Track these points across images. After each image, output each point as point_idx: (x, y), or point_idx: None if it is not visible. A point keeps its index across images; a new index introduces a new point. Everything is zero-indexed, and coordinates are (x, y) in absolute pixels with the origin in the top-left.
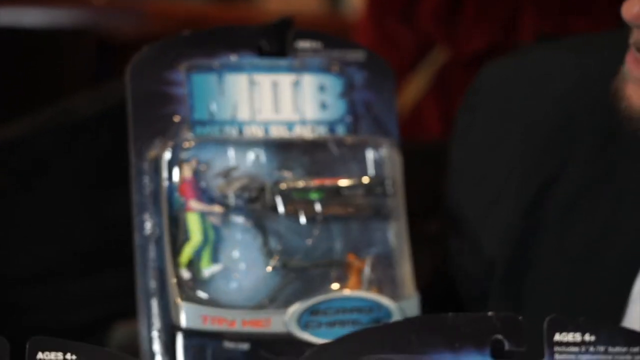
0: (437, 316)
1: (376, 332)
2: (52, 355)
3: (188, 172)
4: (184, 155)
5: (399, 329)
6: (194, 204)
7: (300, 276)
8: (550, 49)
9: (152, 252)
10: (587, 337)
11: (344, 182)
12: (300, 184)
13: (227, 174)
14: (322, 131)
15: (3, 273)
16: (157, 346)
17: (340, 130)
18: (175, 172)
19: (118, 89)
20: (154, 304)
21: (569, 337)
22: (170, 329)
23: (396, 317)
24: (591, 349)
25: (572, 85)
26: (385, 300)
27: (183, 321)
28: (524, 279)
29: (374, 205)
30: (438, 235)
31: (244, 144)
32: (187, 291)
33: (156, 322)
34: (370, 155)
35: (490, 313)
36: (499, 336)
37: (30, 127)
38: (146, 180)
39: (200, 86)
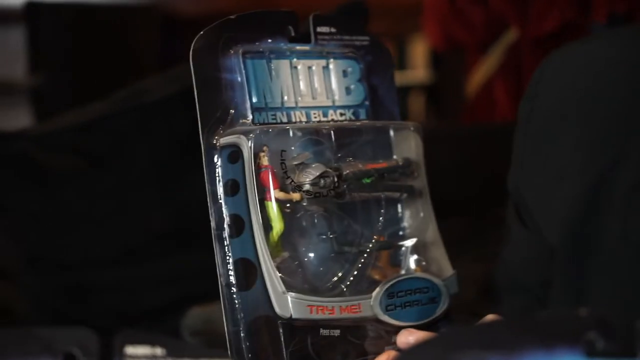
0: (529, 315)
1: (470, 331)
2: (141, 349)
3: (265, 161)
4: (258, 144)
5: (492, 328)
6: (277, 193)
7: (359, 261)
8: (612, 37)
9: (227, 242)
10: None
11: (388, 165)
12: (359, 169)
13: (301, 162)
14: (349, 116)
15: (79, 255)
16: (243, 337)
17: (362, 115)
18: (252, 161)
19: (189, 70)
20: (236, 295)
21: None
22: (259, 320)
23: (444, 296)
24: None
25: (633, 73)
26: (436, 280)
27: (292, 311)
28: (586, 264)
29: (407, 186)
30: (503, 222)
31: (310, 131)
32: (284, 279)
33: (241, 313)
34: (394, 138)
35: (582, 311)
36: (592, 334)
37: (104, 109)
38: (218, 169)
39: (254, 72)
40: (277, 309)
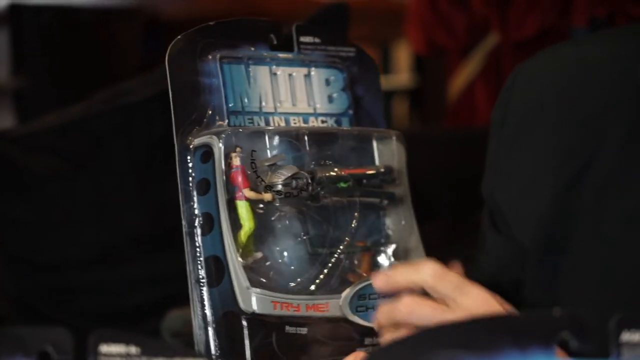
0: (504, 315)
1: (444, 330)
2: (115, 347)
3: (237, 161)
4: (229, 144)
5: (466, 327)
6: (248, 193)
7: (332, 262)
8: (585, 42)
9: (199, 240)
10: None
11: (369, 172)
12: (335, 173)
13: (274, 163)
14: (331, 123)
15: (58, 257)
16: (211, 333)
17: (345, 123)
18: (223, 161)
19: None
20: (205, 291)
21: (636, 336)
22: (227, 316)
23: None
24: None
25: (605, 76)
26: None
27: (255, 307)
28: (559, 263)
29: (389, 192)
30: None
31: (284, 133)
32: (253, 277)
33: (209, 310)
34: (377, 146)
35: (556, 311)
36: (566, 334)
37: (84, 110)
38: (190, 169)
39: (231, 76)
40: (241, 304)
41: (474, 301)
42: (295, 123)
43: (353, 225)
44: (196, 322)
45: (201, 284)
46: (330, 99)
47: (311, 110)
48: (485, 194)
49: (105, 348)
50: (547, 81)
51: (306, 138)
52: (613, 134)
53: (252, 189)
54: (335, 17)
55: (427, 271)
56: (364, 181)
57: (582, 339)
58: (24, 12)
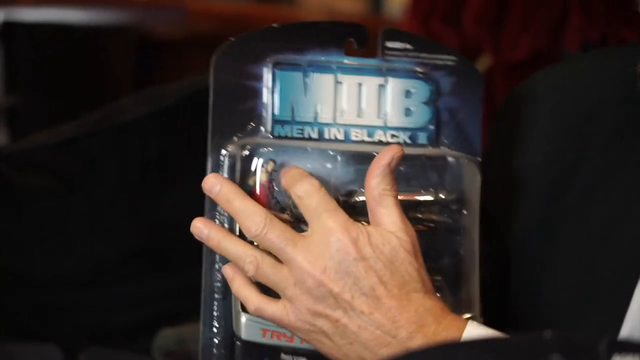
0: (492, 337)
1: (428, 353)
2: None
3: (264, 177)
4: (260, 157)
5: (454, 349)
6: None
7: None
8: (576, 59)
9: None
10: None
11: (420, 197)
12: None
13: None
14: (403, 138)
15: (49, 274)
16: (216, 350)
17: (422, 139)
18: (250, 175)
19: (164, 91)
20: (217, 306)
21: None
22: (231, 335)
23: None
24: None
25: (591, 88)
26: None
27: (243, 333)
28: (541, 268)
29: (448, 221)
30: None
31: (320, 150)
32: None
33: (216, 321)
34: (449, 167)
35: (546, 333)
36: (556, 357)
37: (77, 129)
38: (223, 175)
39: (285, 83)
40: (234, 326)
41: (322, 230)
42: (356, 136)
43: None
44: (203, 334)
45: (214, 293)
46: (407, 112)
47: (380, 123)
48: (482, 209)
49: None
50: (537, 96)
51: (348, 156)
52: (596, 141)
53: (271, 208)
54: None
55: (301, 186)
56: (418, 208)
57: None
58: (17, 30)
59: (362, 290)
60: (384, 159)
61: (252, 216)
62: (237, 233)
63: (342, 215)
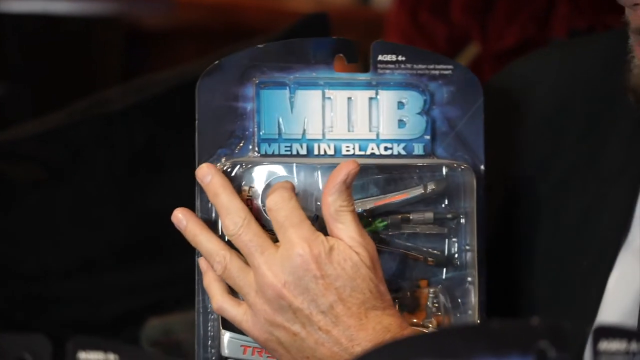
0: (482, 323)
1: (422, 339)
2: (93, 355)
3: (246, 195)
4: (245, 175)
5: (445, 335)
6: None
7: None
8: (554, 47)
9: None
10: (634, 346)
11: (410, 195)
12: (360, 207)
13: None
14: (397, 150)
15: (37, 266)
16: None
17: (418, 150)
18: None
19: (152, 81)
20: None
21: (613, 345)
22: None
23: None
24: (638, 358)
25: (564, 80)
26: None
27: (225, 350)
28: (518, 256)
29: (444, 232)
30: None
31: (304, 166)
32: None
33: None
34: (446, 178)
35: (534, 320)
36: (544, 343)
37: (64, 119)
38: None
39: (269, 102)
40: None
41: (287, 244)
42: (348, 150)
43: (404, 265)
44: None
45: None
46: (401, 124)
47: (373, 136)
48: None
49: (83, 355)
50: (512, 86)
51: (318, 173)
52: (571, 132)
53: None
54: (316, 27)
55: (272, 198)
56: (411, 218)
57: (560, 349)
58: (5, 21)
59: (321, 307)
60: (340, 175)
61: (233, 215)
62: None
63: (306, 230)
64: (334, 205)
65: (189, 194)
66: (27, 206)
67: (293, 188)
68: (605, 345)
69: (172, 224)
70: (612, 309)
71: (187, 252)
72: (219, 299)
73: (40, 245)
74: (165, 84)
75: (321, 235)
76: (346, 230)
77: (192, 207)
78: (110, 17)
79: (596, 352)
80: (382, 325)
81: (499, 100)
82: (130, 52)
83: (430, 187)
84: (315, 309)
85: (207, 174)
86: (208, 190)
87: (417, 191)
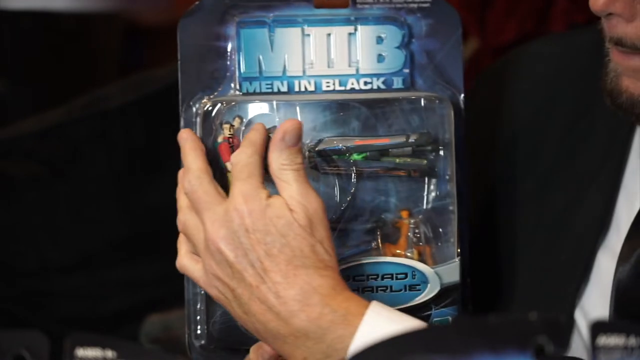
0: (479, 318)
1: (417, 334)
2: (91, 351)
3: (227, 133)
4: (226, 113)
5: (441, 331)
6: (230, 166)
7: (341, 235)
8: (538, 44)
9: None
10: (632, 341)
11: (391, 141)
12: (340, 144)
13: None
14: (377, 84)
15: (36, 262)
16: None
17: (397, 83)
18: (216, 131)
19: (150, 77)
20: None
21: (611, 340)
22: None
23: (433, 284)
24: (636, 352)
25: (551, 75)
26: (421, 266)
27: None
28: (500, 248)
29: (422, 164)
30: None
31: (287, 102)
32: None
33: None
34: (424, 110)
35: (532, 315)
36: (541, 338)
37: (63, 115)
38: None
39: (249, 41)
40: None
41: (231, 198)
42: (328, 86)
43: (385, 196)
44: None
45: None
46: (380, 58)
47: (352, 71)
48: None
49: (81, 352)
50: (499, 82)
51: (316, 106)
52: (556, 126)
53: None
54: None
55: (236, 152)
56: (390, 151)
57: (558, 343)
58: (3, 17)
59: (251, 262)
60: (278, 134)
61: (190, 174)
62: None
63: (249, 186)
64: (275, 164)
65: None
66: (27, 202)
67: (263, 138)
68: (603, 340)
69: (171, 220)
70: (591, 305)
71: None
72: (182, 258)
73: (40, 241)
74: (163, 80)
75: (263, 192)
76: (287, 189)
77: None
78: (109, 13)
79: (595, 347)
80: (311, 285)
81: (491, 91)
82: (128, 48)
83: (413, 137)
84: (247, 264)
85: (182, 138)
86: (182, 153)
87: (399, 139)
